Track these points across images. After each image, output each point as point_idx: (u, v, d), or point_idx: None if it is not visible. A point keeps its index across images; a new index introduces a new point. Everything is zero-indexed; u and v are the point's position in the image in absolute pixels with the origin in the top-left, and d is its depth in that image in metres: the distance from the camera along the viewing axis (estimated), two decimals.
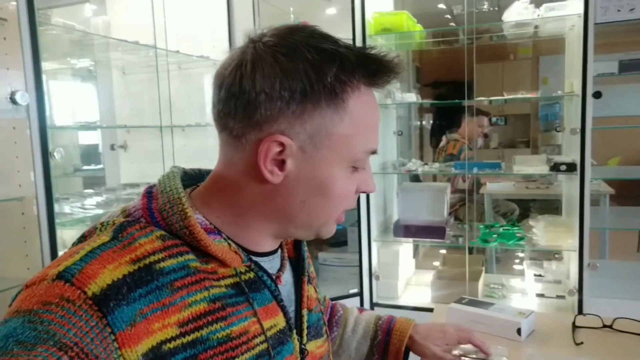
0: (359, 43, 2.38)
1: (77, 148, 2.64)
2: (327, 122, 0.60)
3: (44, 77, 2.09)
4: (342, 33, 2.40)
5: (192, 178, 0.71)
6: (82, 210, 1.83)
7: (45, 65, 2.09)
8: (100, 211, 1.87)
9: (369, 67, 0.61)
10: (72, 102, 2.43)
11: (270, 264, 0.69)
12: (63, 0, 2.28)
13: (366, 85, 0.62)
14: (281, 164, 0.61)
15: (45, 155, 1.47)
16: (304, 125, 0.59)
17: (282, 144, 0.59)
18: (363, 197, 2.48)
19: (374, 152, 0.66)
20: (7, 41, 1.40)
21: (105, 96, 2.45)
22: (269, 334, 0.62)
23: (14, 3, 1.38)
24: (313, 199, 0.63)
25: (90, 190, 2.19)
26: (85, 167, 2.64)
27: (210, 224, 0.62)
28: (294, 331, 0.68)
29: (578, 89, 2.09)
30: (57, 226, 1.55)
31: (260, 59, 0.59)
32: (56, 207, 1.68)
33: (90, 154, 2.63)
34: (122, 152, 2.46)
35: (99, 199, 2.03)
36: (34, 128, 1.44)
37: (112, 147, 2.45)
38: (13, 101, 1.37)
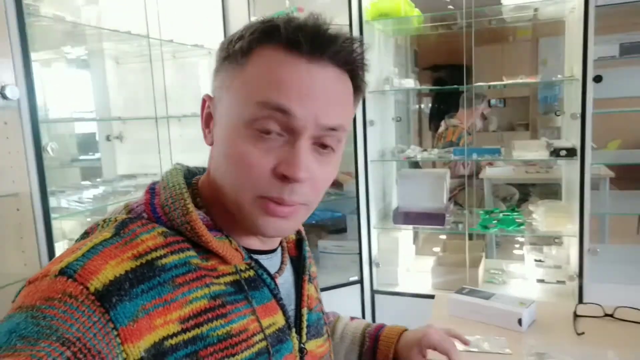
0: (355, 29, 2.34)
1: (73, 138, 2.61)
2: (226, 76, 0.61)
3: (37, 67, 2.06)
4: (339, 19, 2.36)
5: (195, 176, 0.71)
6: (78, 203, 1.82)
7: (38, 55, 2.06)
8: (97, 205, 1.85)
9: (293, 32, 0.57)
10: (67, 92, 2.40)
11: (270, 262, 0.68)
12: None
13: (282, 50, 0.58)
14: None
15: (38, 150, 1.45)
16: (217, 79, 0.63)
17: (204, 101, 0.65)
18: (362, 184, 2.47)
19: (279, 110, 0.56)
20: None
21: (99, 86, 2.42)
22: (267, 332, 0.62)
23: None
24: (226, 167, 0.60)
25: (87, 183, 2.17)
26: (82, 157, 2.62)
27: (212, 220, 0.62)
28: (293, 330, 0.67)
29: (578, 73, 2.07)
30: (53, 220, 1.53)
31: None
32: (53, 201, 1.67)
33: (87, 143, 2.61)
34: (118, 143, 2.43)
35: (95, 191, 2.01)
36: (25, 123, 1.42)
37: (108, 138, 2.42)
38: (3, 96, 1.34)
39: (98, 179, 2.27)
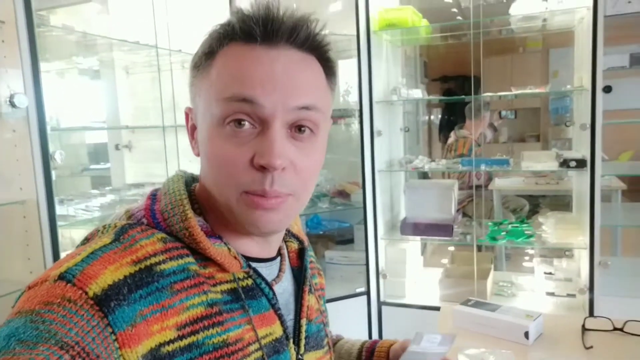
0: (363, 39, 2.34)
1: (84, 147, 2.65)
2: (200, 83, 0.62)
3: (50, 77, 2.08)
4: (347, 30, 2.38)
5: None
6: (85, 212, 1.83)
7: (51, 66, 2.10)
8: (104, 213, 1.86)
9: (245, 24, 0.58)
10: (78, 102, 2.43)
11: (269, 271, 0.68)
12: (66, 1, 2.27)
13: (241, 43, 0.59)
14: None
15: (46, 157, 1.46)
16: (193, 91, 0.63)
17: (187, 114, 0.66)
18: (369, 194, 2.46)
19: (245, 100, 0.56)
20: (5, 43, 1.39)
21: (109, 96, 2.45)
22: (263, 342, 0.61)
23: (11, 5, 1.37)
24: (209, 170, 0.61)
25: (95, 191, 2.19)
26: (93, 167, 2.65)
27: (210, 227, 0.62)
28: (291, 340, 0.66)
29: (588, 83, 2.05)
30: (60, 228, 1.54)
31: None
32: (61, 209, 1.68)
33: (98, 153, 2.64)
34: (127, 152, 2.46)
35: (103, 200, 2.03)
36: (33, 130, 1.43)
37: (117, 147, 2.45)
38: (12, 104, 1.36)
39: (107, 188, 2.29)
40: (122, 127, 2.38)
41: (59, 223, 1.54)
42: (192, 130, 0.65)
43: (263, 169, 0.56)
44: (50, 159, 1.49)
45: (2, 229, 1.49)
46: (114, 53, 2.30)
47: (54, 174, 1.52)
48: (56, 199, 1.53)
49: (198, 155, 0.64)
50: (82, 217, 1.77)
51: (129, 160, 2.46)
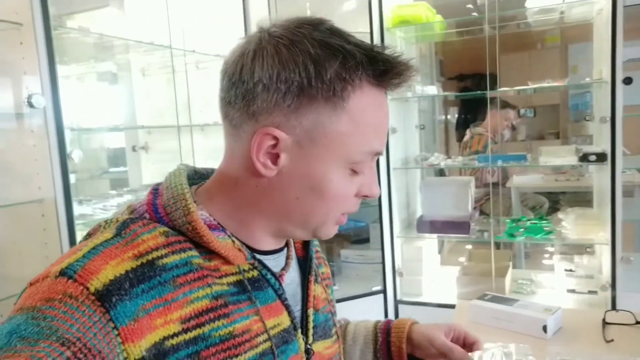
0: (376, 36, 2.34)
1: (104, 151, 2.70)
2: (324, 119, 0.58)
3: (70, 81, 2.13)
4: (361, 27, 2.37)
5: (202, 177, 0.71)
6: (103, 211, 1.86)
7: (71, 70, 2.14)
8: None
9: (376, 67, 0.58)
10: (98, 106, 2.47)
11: (275, 262, 0.68)
12: (85, 6, 2.31)
13: (372, 85, 0.60)
14: (275, 158, 0.59)
15: (63, 157, 1.49)
16: (300, 119, 0.58)
17: (275, 138, 0.58)
18: (384, 192, 2.45)
19: (377, 154, 0.64)
20: (23, 46, 1.42)
21: (126, 98, 2.48)
22: (272, 332, 0.61)
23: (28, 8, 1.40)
24: (308, 197, 0.61)
25: (113, 192, 2.23)
26: (112, 169, 2.69)
27: (214, 220, 0.62)
28: (299, 331, 0.66)
29: (607, 76, 2.01)
30: (77, 227, 1.57)
31: (262, 49, 0.58)
32: (79, 209, 1.70)
33: (116, 156, 2.68)
34: (144, 153, 2.49)
35: (120, 199, 2.06)
36: (51, 131, 1.46)
37: (134, 149, 2.48)
38: (30, 104, 1.39)
39: (125, 189, 2.32)
40: (138, 127, 2.41)
41: (77, 222, 1.57)
42: (273, 152, 0.59)
43: (364, 196, 0.66)
44: (68, 158, 1.51)
45: (21, 227, 1.52)
46: (130, 55, 2.33)
47: (73, 176, 1.55)
48: (75, 200, 1.56)
49: (270, 176, 0.60)
50: (99, 216, 1.80)
51: (146, 162, 2.50)
